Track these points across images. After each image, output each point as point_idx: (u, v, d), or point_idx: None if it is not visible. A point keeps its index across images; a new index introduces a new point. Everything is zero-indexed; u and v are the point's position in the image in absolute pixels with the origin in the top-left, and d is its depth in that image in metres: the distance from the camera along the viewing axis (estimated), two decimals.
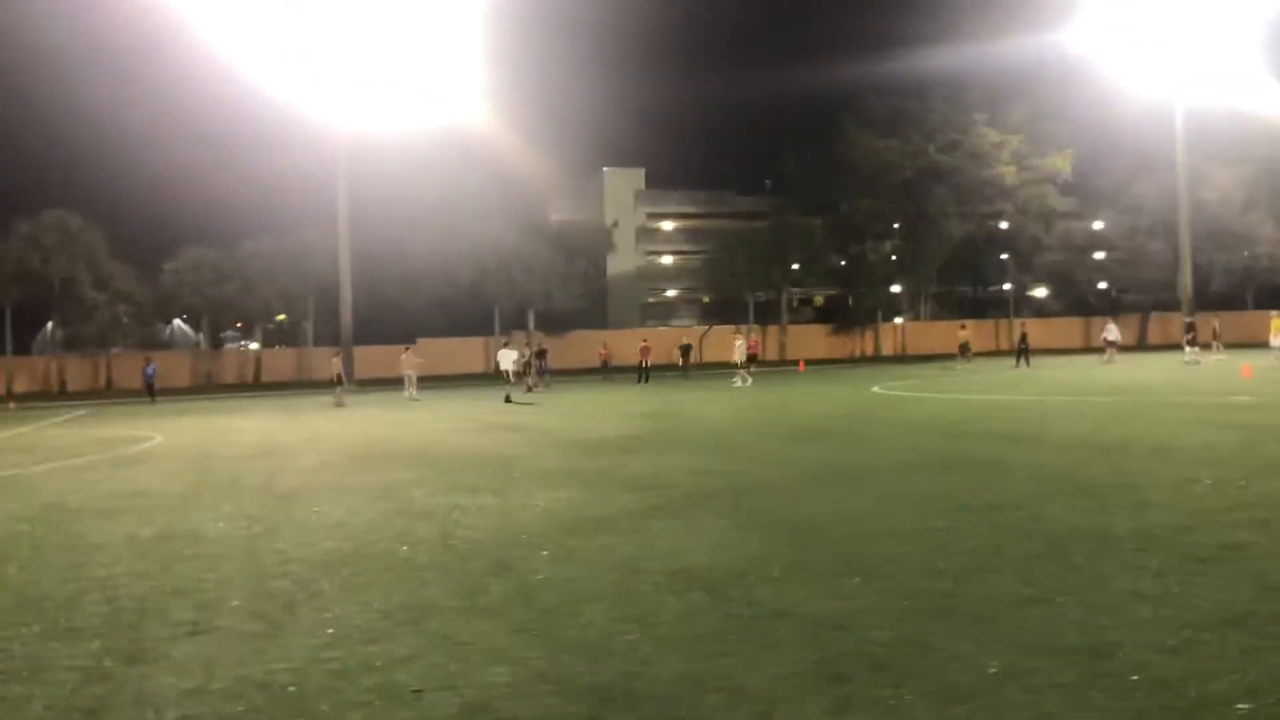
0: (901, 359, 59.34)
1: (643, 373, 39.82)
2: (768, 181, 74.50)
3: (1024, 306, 70.33)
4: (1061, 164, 62.89)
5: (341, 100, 41.79)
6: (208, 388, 53.94)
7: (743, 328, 55.18)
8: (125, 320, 54.94)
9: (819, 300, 75.62)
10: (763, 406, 23.24)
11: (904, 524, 7.85)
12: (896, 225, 65.70)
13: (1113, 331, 42.21)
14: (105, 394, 50.08)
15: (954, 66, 59.55)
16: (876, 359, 61.46)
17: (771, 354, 61.09)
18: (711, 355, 55.97)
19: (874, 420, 18.40)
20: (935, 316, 71.07)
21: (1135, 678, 4.21)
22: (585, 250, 65.53)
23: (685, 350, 45.81)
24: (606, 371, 46.18)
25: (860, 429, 16.72)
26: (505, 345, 32.64)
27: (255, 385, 55.18)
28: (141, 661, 5.12)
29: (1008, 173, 62.82)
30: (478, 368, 57.45)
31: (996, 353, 59.55)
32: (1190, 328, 39.15)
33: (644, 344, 41.77)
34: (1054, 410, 18.58)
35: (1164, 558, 6.33)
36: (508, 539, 7.95)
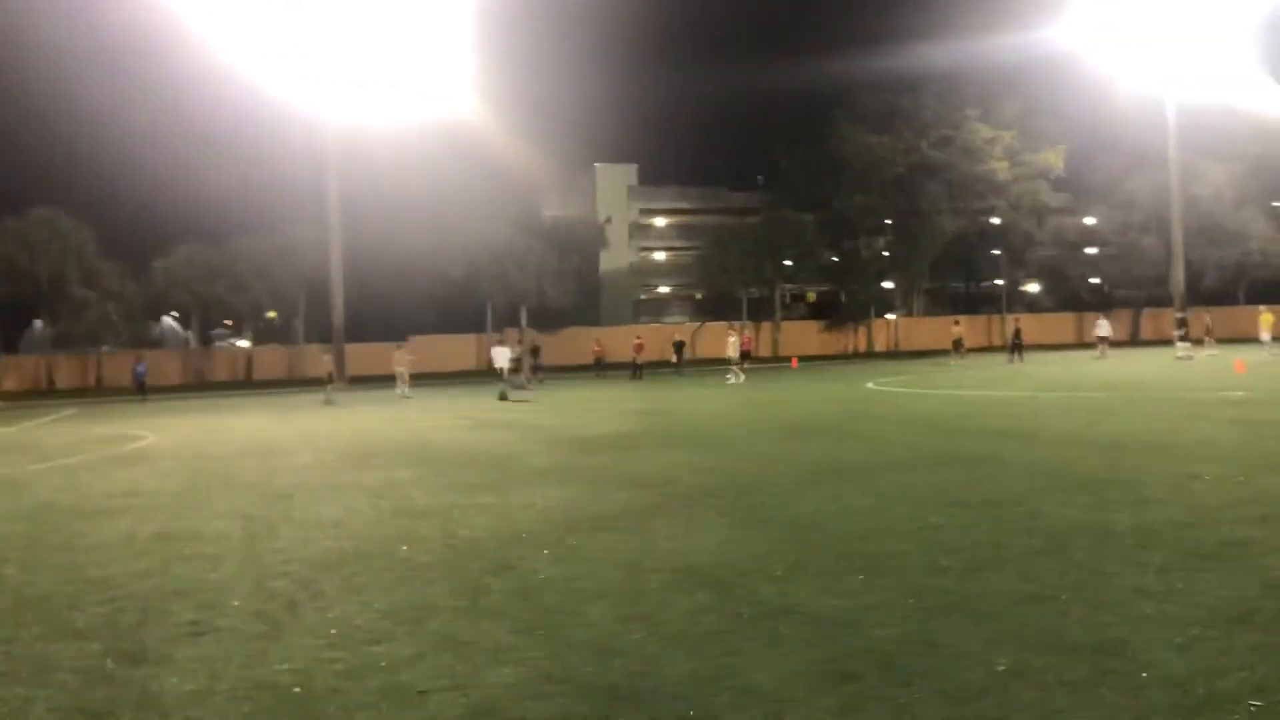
0: (894, 355, 59.46)
1: (636, 369, 39.81)
2: (760, 177, 74.59)
3: (1016, 302, 70.51)
4: (1054, 160, 63.07)
5: (332, 96, 41.56)
6: (199, 386, 53.76)
7: (736, 324, 55.22)
8: (115, 318, 54.72)
9: (812, 296, 75.72)
10: (758, 403, 23.25)
11: (904, 521, 7.85)
12: (889, 221, 65.78)
13: (1104, 327, 42.36)
14: (95, 393, 49.87)
15: (946, 62, 59.74)
16: (869, 355, 61.57)
17: (765, 350, 61.16)
18: (705, 351, 56.01)
19: (869, 417, 18.42)
20: (928, 312, 71.21)
21: (1144, 675, 4.21)
22: (578, 246, 65.47)
23: (679, 347, 45.84)
24: (600, 368, 46.15)
25: (856, 426, 16.73)
26: (499, 343, 32.57)
27: (246, 383, 55.02)
28: (144, 663, 5.09)
29: (1000, 168, 62.96)
30: (470, 365, 57.39)
31: (989, 348, 59.67)
32: (1182, 323, 39.32)
33: (638, 340, 41.77)
34: (1048, 406, 18.62)
35: (1166, 554, 6.33)
36: (508, 538, 7.93)
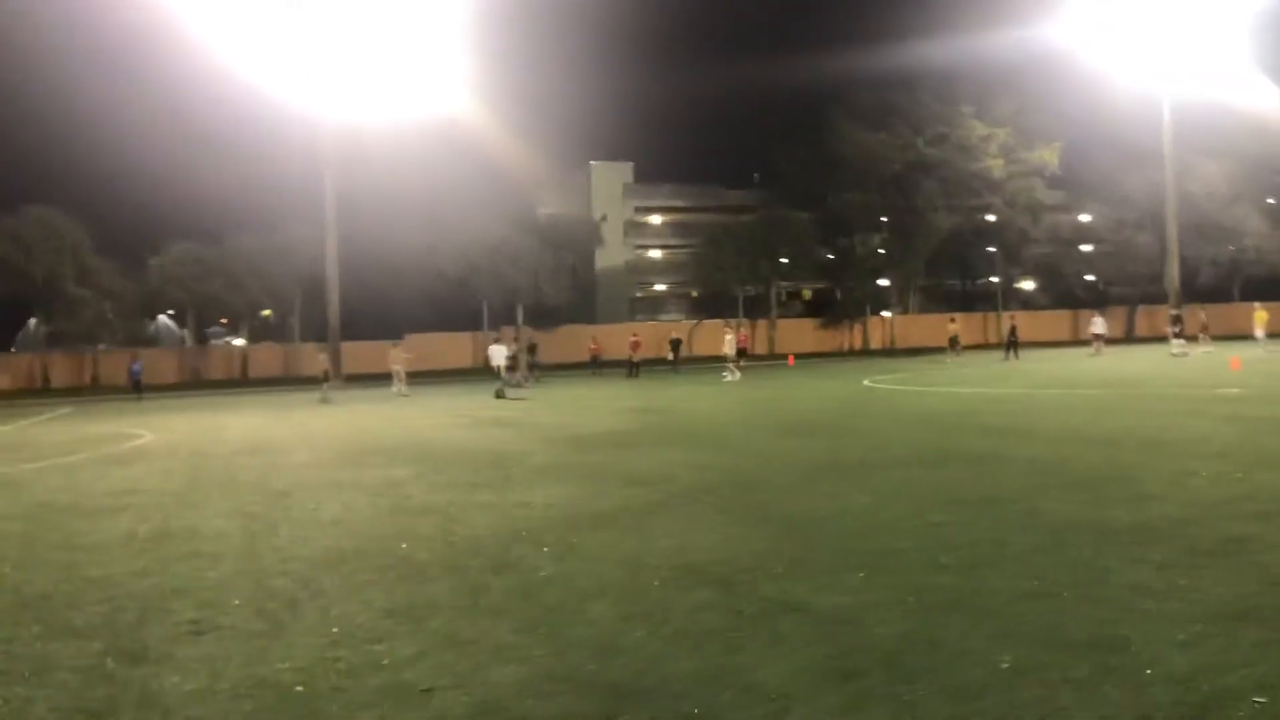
0: (890, 352, 59.48)
1: (633, 367, 39.82)
2: (756, 175, 74.58)
3: (1011, 299, 70.58)
4: (1049, 157, 63.13)
5: (328, 94, 41.53)
6: (194, 384, 53.66)
7: (732, 322, 55.24)
8: (110, 317, 54.60)
9: (807, 294, 75.75)
10: (755, 401, 23.25)
11: (903, 518, 7.85)
12: (884, 219, 65.79)
13: (1099, 324, 42.45)
14: (91, 391, 49.76)
15: (943, 59, 59.76)
16: (865, 352, 61.60)
17: (761, 348, 61.18)
18: (701, 349, 56.01)
19: (866, 414, 18.43)
20: (923, 310, 71.25)
21: (1148, 672, 4.21)
22: (573, 244, 65.47)
23: (675, 344, 45.86)
24: (596, 366, 46.13)
25: (853, 423, 16.74)
26: (496, 341, 32.55)
27: (242, 381, 54.93)
28: (145, 662, 5.07)
29: (995, 166, 63.01)
30: (466, 363, 57.36)
31: (985, 346, 59.73)
32: (1177, 320, 39.41)
33: (634, 338, 41.77)
34: (1045, 403, 18.63)
35: (1166, 551, 6.34)
36: (508, 535, 7.92)
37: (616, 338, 50.53)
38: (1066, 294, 69.57)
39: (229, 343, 70.67)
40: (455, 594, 6.16)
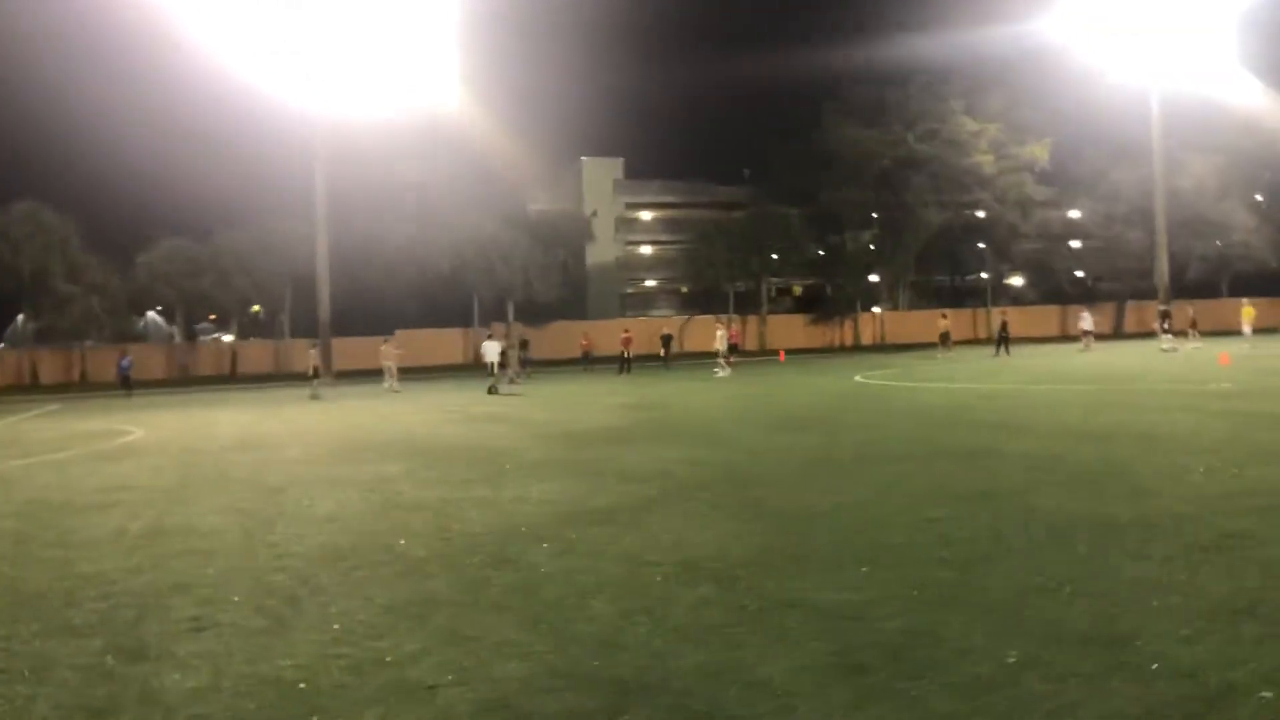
0: (881, 348, 59.55)
1: (624, 363, 39.79)
2: (746, 171, 74.50)
3: (1001, 295, 70.75)
4: (1039, 153, 63.24)
5: (318, 90, 41.37)
6: (184, 381, 53.39)
7: (723, 317, 55.25)
8: (99, 313, 54.26)
9: (798, 290, 75.74)
10: (747, 397, 23.26)
11: (902, 513, 7.85)
12: (875, 215, 65.85)
13: (1087, 320, 42.59)
14: (79, 387, 49.49)
15: (933, 55, 59.85)
16: (856, 348, 61.66)
17: (751, 344, 61.21)
18: (692, 345, 56.01)
19: (860, 410, 18.45)
20: (913, 306, 71.33)
21: (1154, 667, 4.21)
22: (564, 240, 65.32)
23: (666, 340, 45.84)
24: (588, 362, 46.08)
25: (847, 418, 16.75)
26: (489, 337, 32.47)
27: (232, 378, 54.67)
28: (145, 659, 5.04)
29: (985, 161, 63.08)
30: (457, 359, 57.19)
31: (975, 341, 59.87)
32: (1165, 315, 39.57)
33: (625, 334, 41.73)
34: (1037, 399, 18.67)
35: (1165, 546, 6.35)
36: (506, 532, 7.89)
37: (608, 334, 50.44)
38: (1055, 289, 69.77)
39: (218, 339, 70.37)
40: (455, 590, 6.14)
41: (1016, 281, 73.20)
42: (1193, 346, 36.59)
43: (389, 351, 34.37)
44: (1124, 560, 6.07)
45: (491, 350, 30.44)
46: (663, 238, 76.41)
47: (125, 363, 42.71)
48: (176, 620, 5.73)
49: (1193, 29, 43.76)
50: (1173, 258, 51.53)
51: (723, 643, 4.86)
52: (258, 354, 59.64)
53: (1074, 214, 66.82)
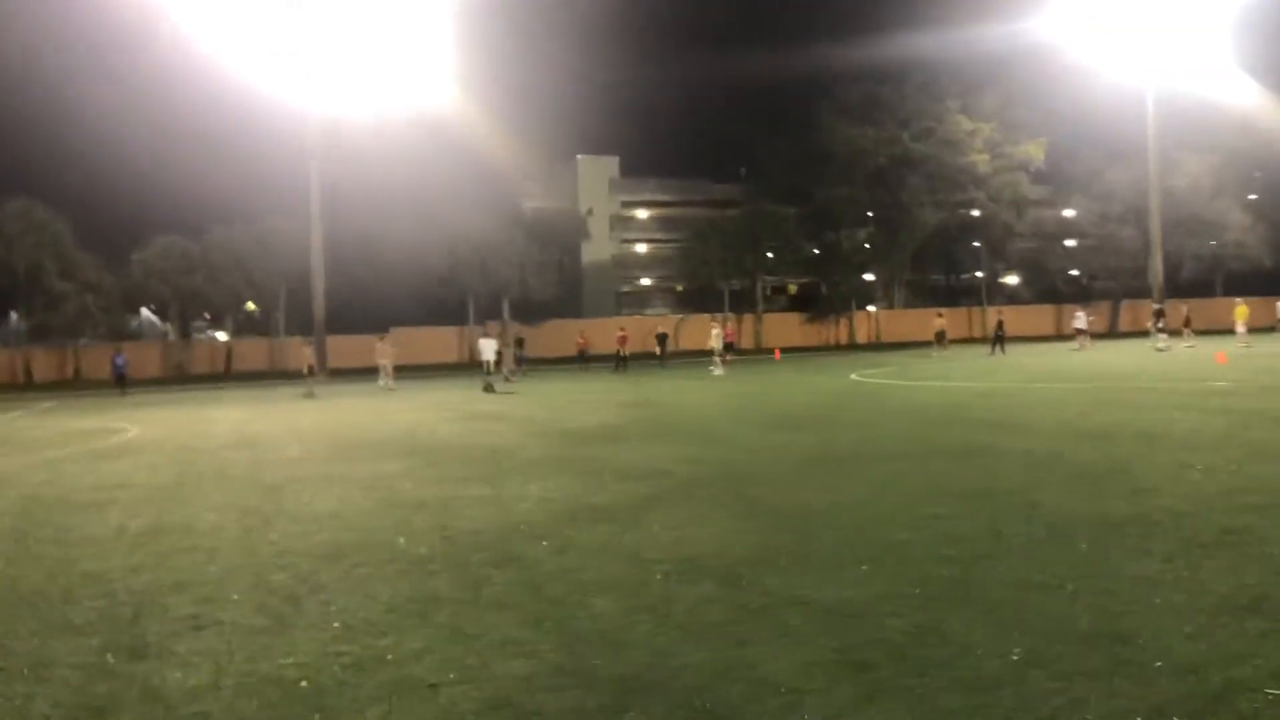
0: (876, 347, 59.59)
1: (620, 361, 39.78)
2: (742, 169, 74.48)
3: (996, 294, 70.80)
4: (1034, 152, 63.28)
5: (313, 87, 41.31)
6: (178, 379, 53.26)
7: (718, 316, 55.24)
8: (93, 310, 54.07)
9: (793, 288, 75.74)
10: (743, 395, 23.25)
11: (902, 511, 7.84)
12: (870, 213, 65.86)
13: (1081, 319, 42.65)
14: (73, 385, 49.34)
15: (928, 54, 59.81)
16: (851, 347, 61.67)
17: (747, 342, 61.20)
18: (687, 343, 56.00)
19: (857, 408, 18.45)
20: (908, 305, 71.39)
21: (1158, 664, 4.21)
22: (559, 238, 65.27)
23: (662, 339, 45.82)
24: (584, 361, 46.06)
25: (844, 417, 16.75)
26: (485, 335, 32.43)
27: (226, 376, 54.55)
28: (146, 657, 5.01)
29: (980, 160, 63.11)
30: (452, 357, 57.13)
31: (970, 340, 59.94)
32: (1160, 314, 39.64)
33: (621, 332, 41.71)
34: (1035, 397, 18.69)
35: (1167, 543, 6.36)
36: (506, 529, 7.88)
37: (603, 332, 50.41)
38: (1050, 288, 69.87)
39: (212, 337, 70.20)
40: (457, 588, 6.12)
41: (1011, 280, 73.28)
42: (1186, 345, 36.65)
43: (384, 349, 34.30)
44: (1125, 558, 6.07)
45: (488, 348, 30.41)
46: (658, 236, 76.39)
47: (120, 360, 42.56)
48: (176, 618, 5.71)
49: (1188, 28, 43.91)
50: (1167, 257, 51.69)
51: (726, 640, 4.85)
52: (252, 352, 59.51)
53: (1069, 213, 66.92)
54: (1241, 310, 37.46)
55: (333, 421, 20.52)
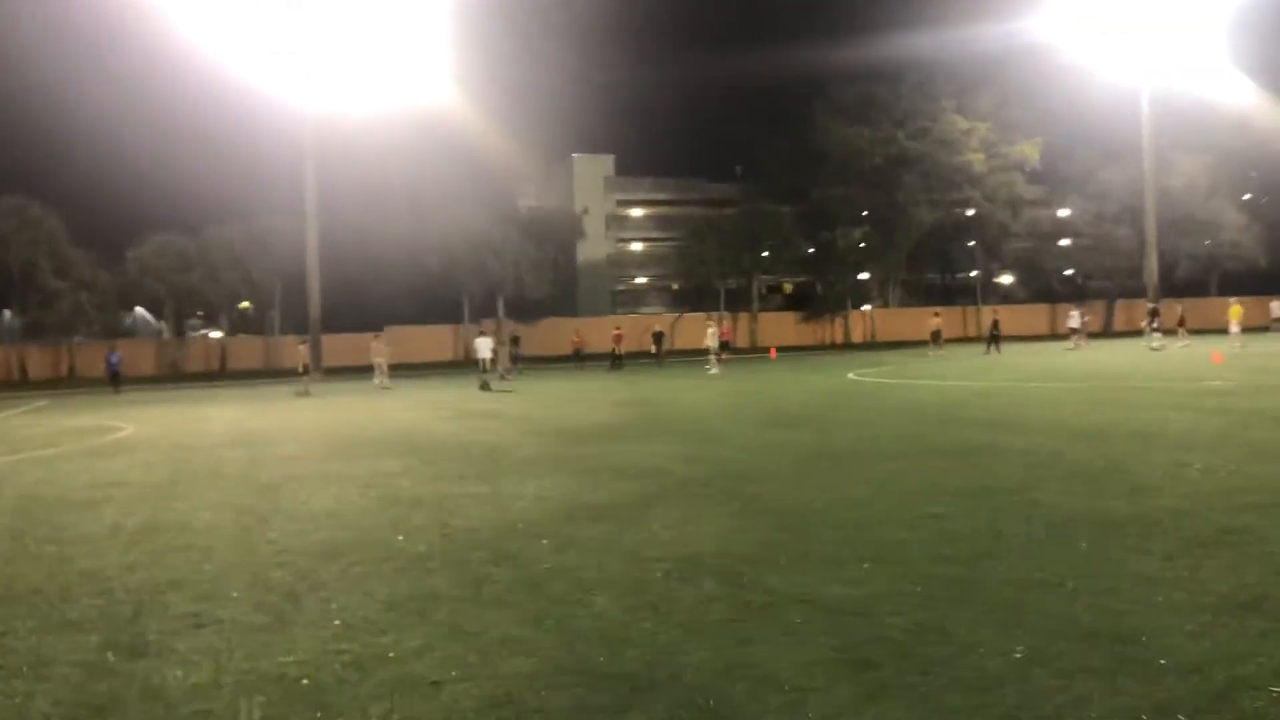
0: (872, 346, 59.63)
1: (616, 360, 39.76)
2: (738, 168, 74.50)
3: (991, 293, 70.88)
4: (1029, 151, 63.32)
5: (309, 85, 41.23)
6: (173, 377, 53.14)
7: (714, 315, 55.26)
8: (87, 308, 53.92)
9: (789, 287, 75.78)
10: (740, 394, 23.25)
11: (902, 510, 7.84)
12: (866, 213, 65.89)
13: (1075, 319, 42.71)
14: (68, 383, 49.20)
15: (924, 54, 59.76)
16: (847, 346, 61.72)
17: (742, 341, 61.18)
18: (683, 342, 55.99)
19: (854, 407, 18.45)
20: (904, 304, 71.44)
21: (1162, 662, 4.21)
22: (555, 237, 65.15)
23: (658, 337, 45.81)
24: (580, 359, 46.04)
25: (841, 415, 16.75)
26: (481, 334, 32.39)
27: (221, 374, 54.46)
28: (145, 655, 4.99)
29: (976, 160, 63.14)
30: (447, 356, 57.07)
31: (965, 339, 60.00)
32: (1154, 314, 39.70)
33: (617, 331, 41.71)
34: (1031, 396, 18.71)
35: (1167, 542, 6.36)
36: (505, 528, 7.86)
37: (599, 331, 50.41)
38: (1045, 288, 69.96)
39: (206, 335, 70.06)
40: (457, 586, 6.11)
41: (1006, 280, 73.37)
42: (1181, 345, 36.72)
43: (379, 348, 34.25)
44: (1125, 556, 6.07)
45: (484, 346, 30.38)
46: (654, 235, 76.36)
47: (114, 358, 42.45)
48: (175, 616, 5.69)
49: (1183, 28, 43.98)
50: (1162, 256, 51.76)
51: (728, 638, 4.84)
52: (247, 350, 59.38)
53: (1064, 212, 66.98)
54: (1236, 310, 37.54)
55: (329, 420, 20.48)
